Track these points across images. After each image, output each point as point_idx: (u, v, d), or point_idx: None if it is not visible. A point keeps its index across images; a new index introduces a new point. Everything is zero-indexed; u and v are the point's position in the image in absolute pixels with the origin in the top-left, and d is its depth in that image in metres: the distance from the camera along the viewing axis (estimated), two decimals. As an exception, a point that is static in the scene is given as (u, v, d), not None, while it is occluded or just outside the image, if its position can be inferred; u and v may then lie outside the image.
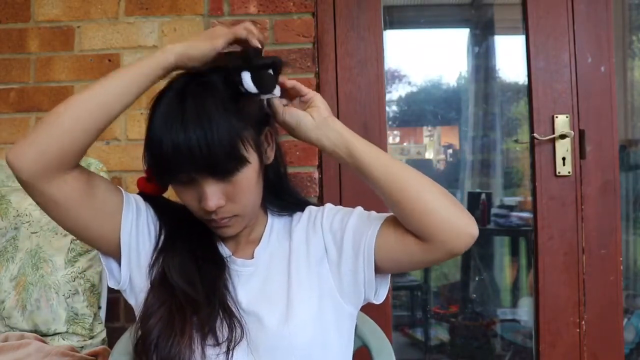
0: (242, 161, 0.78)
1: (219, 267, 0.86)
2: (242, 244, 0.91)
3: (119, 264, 0.86)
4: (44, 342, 1.19)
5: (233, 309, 0.82)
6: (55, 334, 1.25)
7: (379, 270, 0.84)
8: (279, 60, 0.84)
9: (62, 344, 1.23)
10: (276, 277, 0.86)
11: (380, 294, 0.87)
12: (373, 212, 0.88)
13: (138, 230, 0.85)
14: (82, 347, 1.25)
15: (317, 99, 0.85)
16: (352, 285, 0.85)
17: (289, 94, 0.87)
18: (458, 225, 0.78)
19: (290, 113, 0.84)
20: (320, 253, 0.87)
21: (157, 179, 0.85)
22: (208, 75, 0.81)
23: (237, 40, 0.83)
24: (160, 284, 0.83)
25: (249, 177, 0.80)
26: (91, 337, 1.28)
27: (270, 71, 0.82)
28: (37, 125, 0.75)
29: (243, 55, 0.82)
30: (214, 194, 0.78)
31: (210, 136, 0.74)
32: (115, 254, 0.86)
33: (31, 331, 1.24)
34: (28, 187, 0.76)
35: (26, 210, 1.30)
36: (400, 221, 0.81)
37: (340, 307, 0.86)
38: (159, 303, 0.81)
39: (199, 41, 0.80)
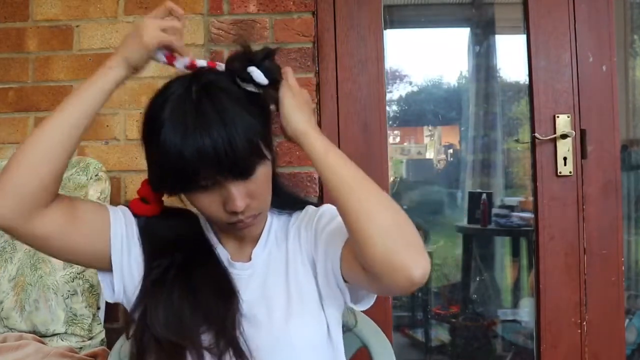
0: (262, 157, 0.78)
1: (229, 303, 0.81)
2: (242, 246, 0.90)
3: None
4: (42, 342, 1.19)
5: (244, 350, 0.78)
6: (54, 334, 1.25)
7: (346, 282, 0.82)
8: (272, 50, 0.83)
9: (61, 345, 1.22)
10: (275, 277, 0.86)
11: (364, 302, 0.85)
12: None
13: (129, 244, 0.84)
14: (81, 347, 1.24)
15: (280, 110, 0.81)
16: (327, 288, 0.84)
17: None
18: (397, 266, 0.67)
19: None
20: (310, 254, 0.86)
21: (173, 189, 0.82)
22: (206, 76, 0.80)
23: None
24: (142, 332, 0.79)
25: (267, 173, 0.81)
26: (90, 338, 1.27)
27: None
28: (5, 169, 0.73)
29: (242, 54, 0.82)
30: (239, 194, 0.77)
31: (234, 136, 0.73)
32: (109, 269, 0.85)
33: (30, 332, 1.24)
34: (10, 231, 0.75)
35: (25, 210, 1.29)
36: None
37: (325, 309, 0.85)
38: (142, 353, 0.79)
39: (131, 47, 0.78)
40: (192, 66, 0.82)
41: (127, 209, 0.87)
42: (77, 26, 1.54)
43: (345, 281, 0.82)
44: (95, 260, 0.84)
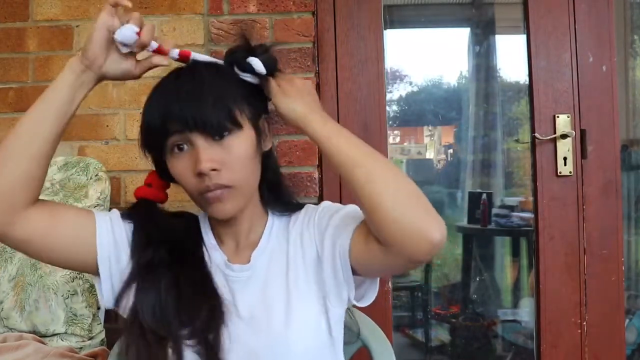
0: (234, 122, 0.79)
1: (211, 306, 0.81)
2: (240, 247, 0.89)
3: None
4: (42, 342, 1.19)
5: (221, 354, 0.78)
6: (54, 334, 1.25)
7: (357, 273, 0.82)
8: (270, 45, 0.87)
9: (61, 345, 1.22)
10: (275, 280, 0.85)
11: (366, 298, 0.85)
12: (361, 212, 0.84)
13: (118, 252, 0.83)
14: (81, 347, 1.24)
15: (272, 96, 0.84)
16: (335, 286, 0.83)
17: None
18: (416, 230, 0.70)
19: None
20: (314, 254, 0.85)
21: (151, 149, 0.84)
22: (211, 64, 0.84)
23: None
24: (131, 321, 0.80)
25: (242, 146, 0.81)
26: (90, 338, 1.27)
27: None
28: None
29: (243, 46, 0.85)
30: (207, 155, 0.77)
31: (202, 91, 0.77)
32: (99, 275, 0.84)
33: (30, 332, 1.24)
34: None
35: (25, 210, 1.29)
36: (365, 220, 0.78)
37: (329, 309, 0.84)
38: (128, 344, 0.79)
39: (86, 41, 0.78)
40: (160, 51, 0.82)
41: (117, 213, 0.86)
42: (77, 26, 1.54)
43: (353, 273, 0.81)
44: (83, 265, 0.83)
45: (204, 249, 0.89)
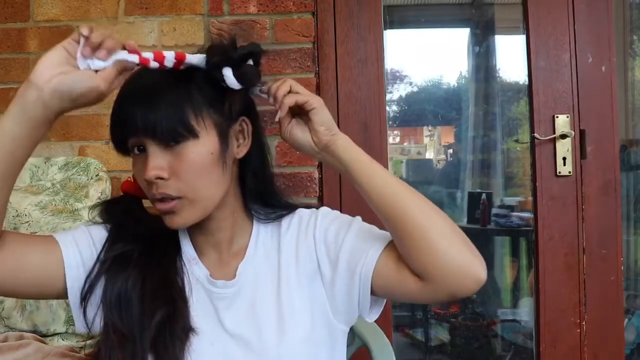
0: (188, 129, 0.73)
1: (173, 312, 0.77)
2: (223, 259, 0.83)
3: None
4: (43, 342, 1.19)
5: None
6: (54, 334, 1.25)
7: (373, 294, 0.78)
8: (257, 49, 0.77)
9: (62, 345, 1.22)
10: (265, 296, 0.80)
11: (373, 313, 0.82)
12: (374, 228, 0.81)
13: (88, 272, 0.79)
14: (81, 347, 1.24)
15: (316, 118, 0.76)
16: (346, 305, 0.80)
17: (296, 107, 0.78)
18: (464, 268, 0.70)
19: (292, 133, 0.79)
20: (312, 266, 0.81)
21: (116, 147, 0.80)
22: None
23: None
24: (104, 325, 0.77)
25: (198, 154, 0.74)
26: (90, 338, 1.27)
27: (251, 62, 0.77)
28: None
29: (222, 51, 0.75)
30: (155, 162, 0.73)
31: (156, 91, 0.73)
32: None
33: (30, 331, 1.24)
34: None
35: (25, 210, 1.29)
36: (400, 253, 0.75)
37: (332, 324, 0.81)
38: (100, 345, 0.76)
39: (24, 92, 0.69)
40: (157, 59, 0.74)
41: (86, 231, 0.82)
42: (77, 26, 1.54)
43: (371, 293, 0.78)
44: (54, 296, 0.80)
45: (182, 262, 0.83)
